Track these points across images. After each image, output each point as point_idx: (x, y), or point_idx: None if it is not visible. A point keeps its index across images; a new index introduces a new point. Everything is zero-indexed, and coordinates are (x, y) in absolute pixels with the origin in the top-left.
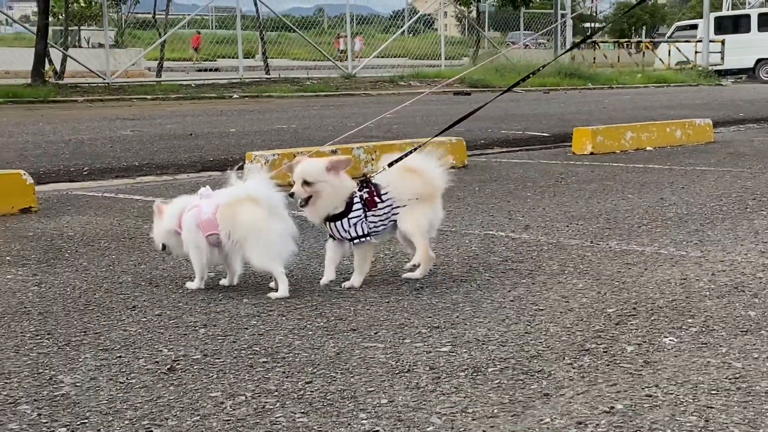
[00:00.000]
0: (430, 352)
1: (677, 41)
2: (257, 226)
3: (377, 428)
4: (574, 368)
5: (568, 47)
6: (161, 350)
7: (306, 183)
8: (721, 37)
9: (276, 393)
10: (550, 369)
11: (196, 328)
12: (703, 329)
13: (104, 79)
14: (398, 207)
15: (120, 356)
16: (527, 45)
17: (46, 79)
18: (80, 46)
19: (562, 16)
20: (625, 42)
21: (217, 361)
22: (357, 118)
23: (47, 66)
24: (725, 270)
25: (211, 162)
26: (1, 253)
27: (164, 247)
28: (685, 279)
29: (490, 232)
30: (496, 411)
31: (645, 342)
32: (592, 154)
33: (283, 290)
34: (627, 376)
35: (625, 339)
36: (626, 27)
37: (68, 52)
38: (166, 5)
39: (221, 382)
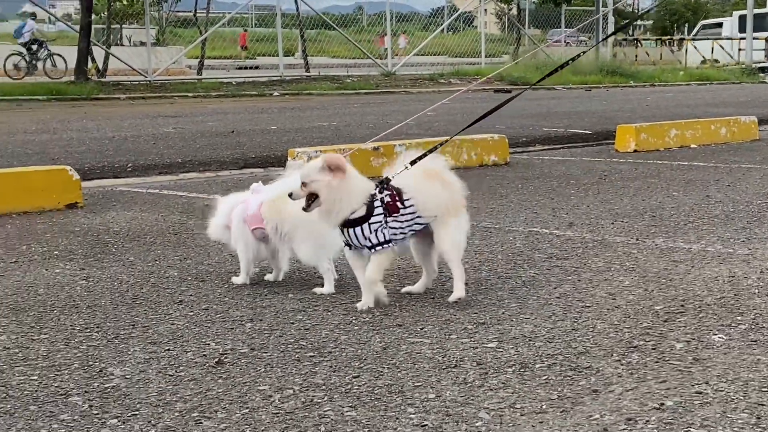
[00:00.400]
0: (477, 347)
1: (705, 39)
2: (306, 219)
3: (426, 423)
4: (622, 365)
5: (605, 41)
6: (209, 344)
7: (303, 183)
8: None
9: (324, 387)
10: (598, 365)
11: (243, 322)
12: (753, 327)
13: (146, 76)
14: (422, 217)
15: (168, 349)
16: (568, 42)
17: (89, 76)
18: (122, 44)
19: (605, 13)
20: (668, 39)
21: (264, 355)
22: (397, 116)
23: (90, 64)
24: None
25: (253, 159)
26: (49, 248)
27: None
28: (733, 276)
29: (535, 229)
30: (544, 407)
31: (694, 339)
32: (635, 151)
33: (329, 286)
34: (676, 373)
35: (674, 336)
36: (668, 24)
37: (110, 50)
38: (206, 3)
39: (269, 376)
